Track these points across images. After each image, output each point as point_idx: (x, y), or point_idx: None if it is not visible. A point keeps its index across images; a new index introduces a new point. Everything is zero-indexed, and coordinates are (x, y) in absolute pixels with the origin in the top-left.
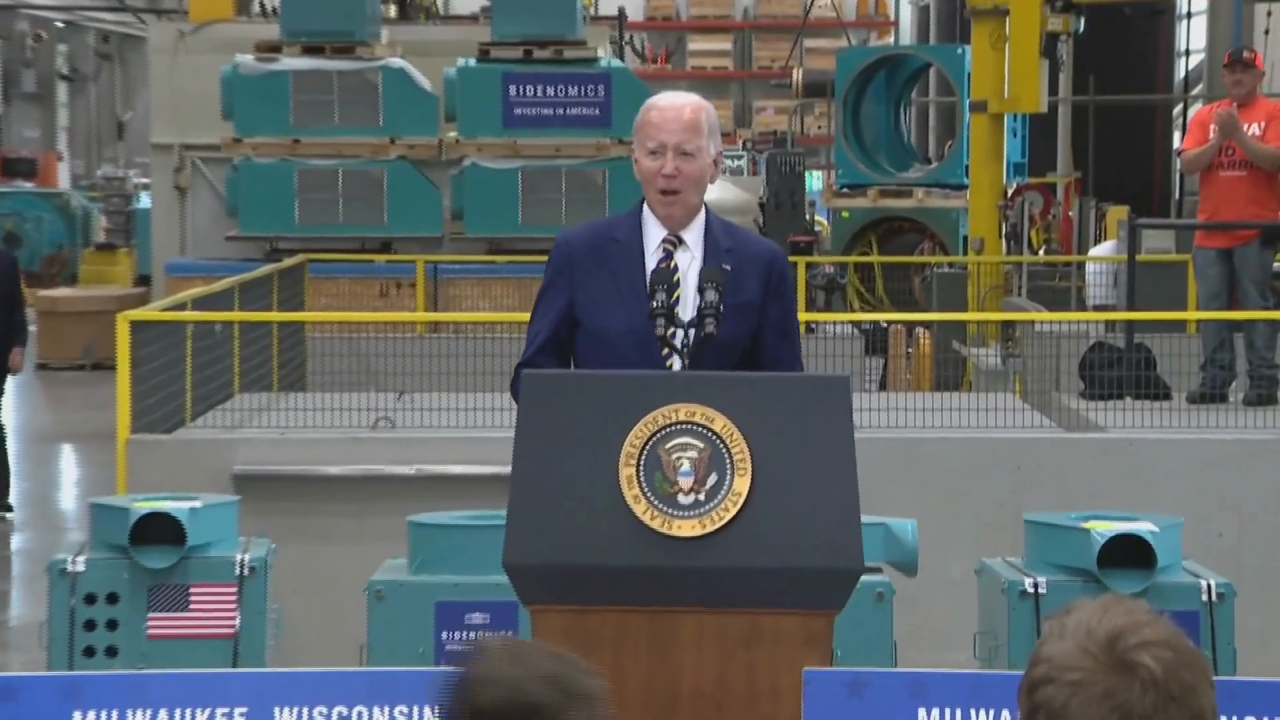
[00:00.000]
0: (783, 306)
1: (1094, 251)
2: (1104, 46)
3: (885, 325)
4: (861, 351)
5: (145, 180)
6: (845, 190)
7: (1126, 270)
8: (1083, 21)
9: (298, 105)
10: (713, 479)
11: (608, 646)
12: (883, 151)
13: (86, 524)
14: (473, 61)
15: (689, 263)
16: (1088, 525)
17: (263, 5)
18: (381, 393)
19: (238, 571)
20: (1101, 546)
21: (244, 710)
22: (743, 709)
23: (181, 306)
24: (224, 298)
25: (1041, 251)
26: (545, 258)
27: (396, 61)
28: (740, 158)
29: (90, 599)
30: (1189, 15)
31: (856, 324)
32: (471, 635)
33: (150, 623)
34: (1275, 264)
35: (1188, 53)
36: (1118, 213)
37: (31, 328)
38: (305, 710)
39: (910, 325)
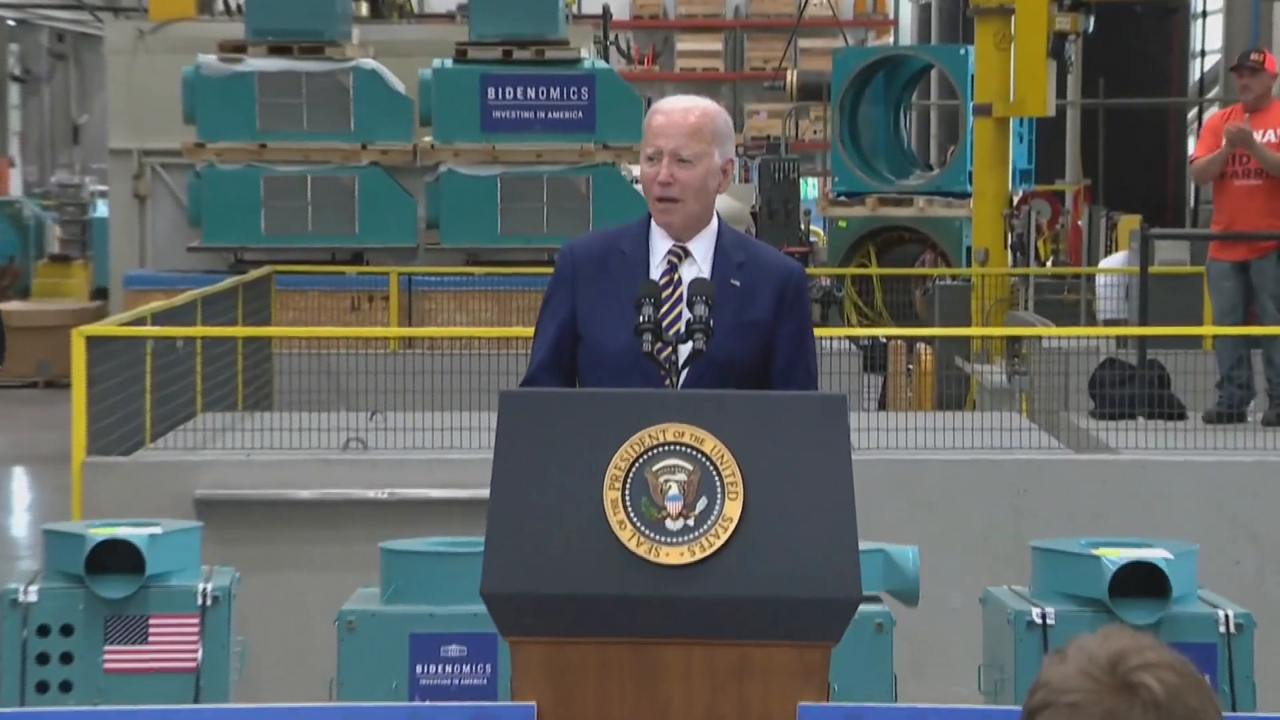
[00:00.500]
0: (796, 327)
1: (1104, 263)
2: (1115, 47)
3: (884, 341)
4: (859, 368)
5: (102, 188)
6: (842, 198)
7: (1139, 283)
8: (1092, 20)
9: (264, 108)
10: (702, 503)
11: (591, 679)
12: (882, 157)
13: (39, 551)
14: (449, 62)
15: (694, 276)
16: (1098, 552)
17: (226, 3)
18: (353, 412)
19: (200, 601)
20: (1113, 575)
21: None
22: None
23: (141, 321)
24: (186, 312)
25: (1049, 263)
26: (525, 269)
27: (368, 62)
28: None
29: (43, 631)
30: (1204, 14)
31: (854, 339)
32: (446, 669)
33: (107, 656)
34: None
35: (1203, 53)
36: (1129, 222)
37: None
38: None
39: (911, 341)
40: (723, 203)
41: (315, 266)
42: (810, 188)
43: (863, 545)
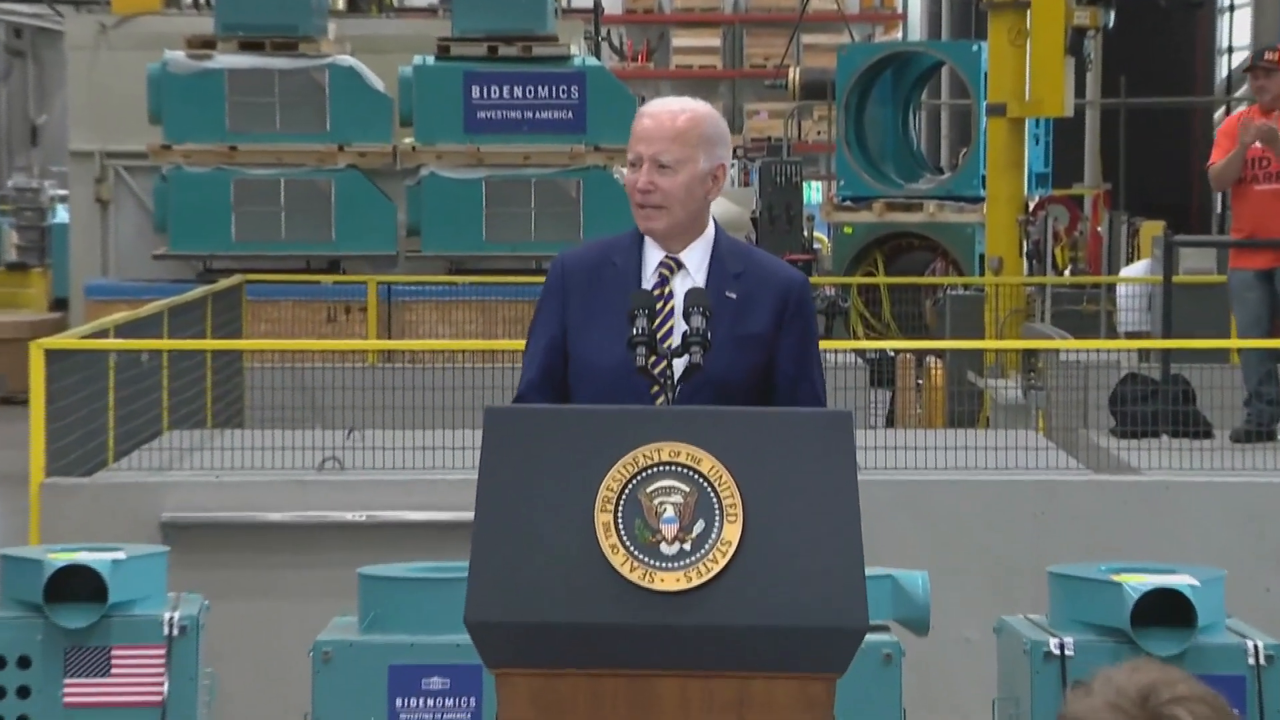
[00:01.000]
0: (799, 339)
1: (1125, 272)
2: (1136, 43)
3: (892, 354)
4: (866, 383)
5: (62, 192)
6: (847, 203)
7: (1162, 293)
8: (1113, 15)
9: (234, 108)
10: (699, 526)
11: (582, 713)
12: (889, 160)
13: None
14: (431, 59)
15: (688, 288)
16: (1120, 578)
17: None
18: (329, 430)
19: (166, 631)
20: (1135, 602)
21: None
22: None
23: (103, 334)
24: (151, 324)
25: (1067, 272)
26: (512, 279)
27: (345, 59)
28: (730, 167)
29: None
30: (1231, 8)
31: (860, 353)
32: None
33: (67, 690)
34: None
35: (1230, 50)
36: (1152, 229)
37: None
38: None
39: (920, 354)
40: (721, 208)
41: (289, 275)
42: (814, 192)
43: (869, 571)
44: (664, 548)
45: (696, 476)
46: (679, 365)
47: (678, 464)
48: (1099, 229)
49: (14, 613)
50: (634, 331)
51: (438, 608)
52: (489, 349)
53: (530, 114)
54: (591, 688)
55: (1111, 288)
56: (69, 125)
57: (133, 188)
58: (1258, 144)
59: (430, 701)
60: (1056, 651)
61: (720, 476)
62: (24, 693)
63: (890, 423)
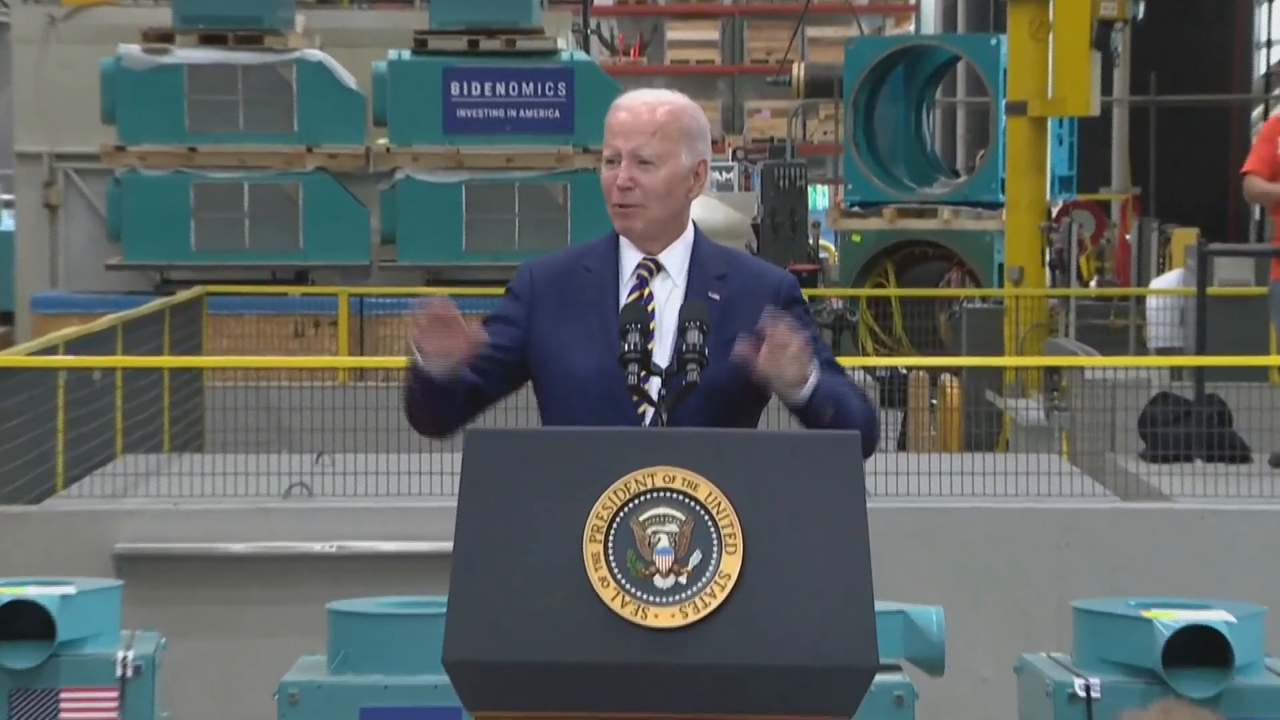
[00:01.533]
0: (794, 323)
1: (1156, 283)
2: (1168, 36)
3: (904, 372)
4: (876, 403)
5: (7, 196)
6: (856, 209)
7: (1196, 306)
8: (1142, 6)
9: (194, 106)
10: (696, 557)
11: None
12: (901, 162)
13: None
14: (407, 54)
15: (668, 293)
16: (1150, 614)
17: None
18: (296, 454)
19: (119, 672)
20: (1167, 640)
21: None
22: None
23: (52, 350)
24: (104, 339)
25: (1093, 283)
26: (494, 290)
27: (314, 54)
28: (729, 170)
29: None
30: None
31: (870, 370)
32: None
33: None
34: None
35: (1269, 43)
36: (1185, 236)
37: None
38: None
39: (935, 372)
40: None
41: (253, 287)
42: (820, 197)
43: (880, 606)
44: (658, 581)
45: (693, 504)
46: (670, 381)
47: (673, 490)
48: (1127, 237)
49: None
50: (625, 347)
51: (413, 646)
52: None
53: (514, 113)
54: None
55: (1141, 300)
56: (15, 125)
57: (84, 192)
58: None
59: None
60: (1082, 693)
61: (718, 504)
62: None
63: (902, 446)
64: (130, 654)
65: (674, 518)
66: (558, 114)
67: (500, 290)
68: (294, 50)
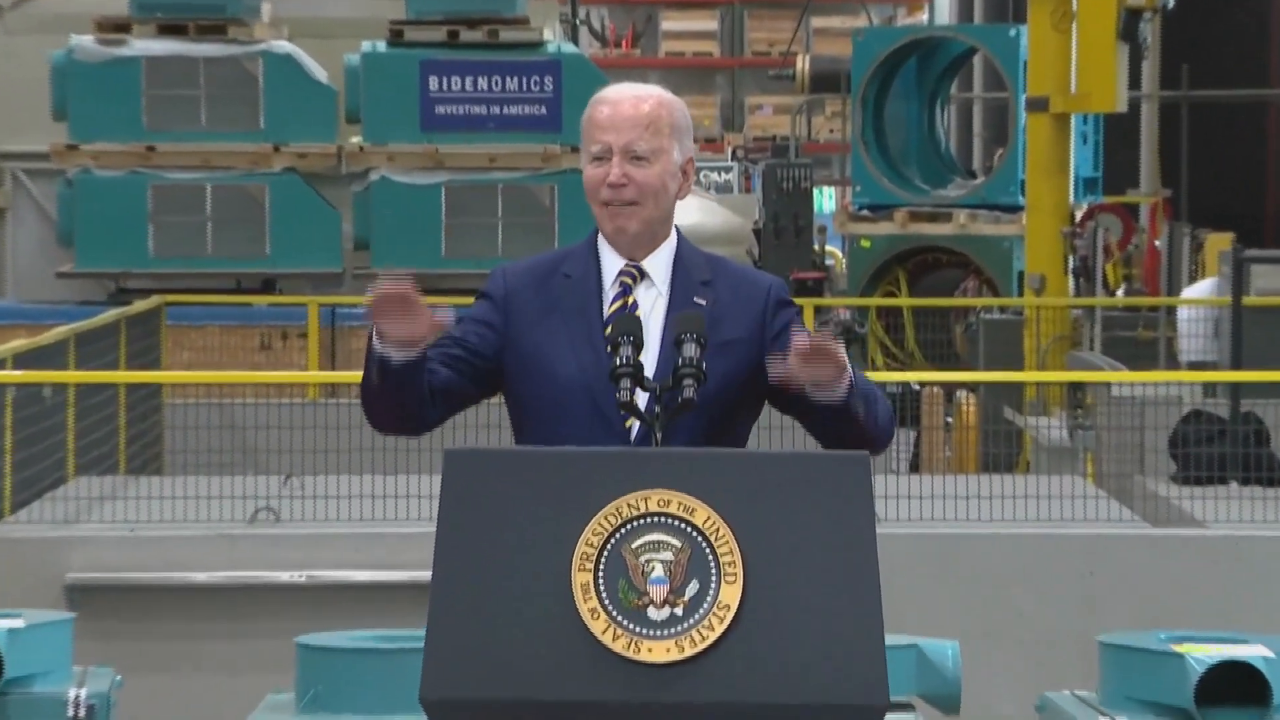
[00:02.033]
0: (789, 321)
1: (1188, 293)
2: (1200, 26)
3: (917, 387)
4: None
5: None
6: (865, 212)
7: (1231, 317)
8: None
9: (152, 101)
10: (693, 588)
11: None
12: (913, 162)
13: None
14: (382, 45)
15: (653, 301)
16: (1182, 649)
17: None
18: (262, 476)
19: (71, 712)
20: (1200, 677)
21: None
22: None
23: (0, 364)
24: (55, 353)
25: (1120, 292)
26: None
27: (282, 45)
28: (728, 171)
29: None
30: None
31: (881, 385)
32: None
33: None
34: None
35: None
36: (1219, 242)
37: None
38: None
39: (950, 388)
40: (719, 218)
41: (216, 296)
42: (826, 200)
43: (891, 639)
44: (652, 612)
45: (689, 529)
46: (643, 397)
47: (668, 515)
48: (1157, 243)
49: None
50: (618, 361)
51: (388, 683)
52: None
53: (497, 109)
54: None
55: (1171, 311)
56: None
57: (33, 194)
58: None
59: None
60: None
61: (717, 529)
62: None
63: (915, 467)
64: (83, 692)
65: (669, 544)
66: (544, 110)
67: None
68: (260, 41)
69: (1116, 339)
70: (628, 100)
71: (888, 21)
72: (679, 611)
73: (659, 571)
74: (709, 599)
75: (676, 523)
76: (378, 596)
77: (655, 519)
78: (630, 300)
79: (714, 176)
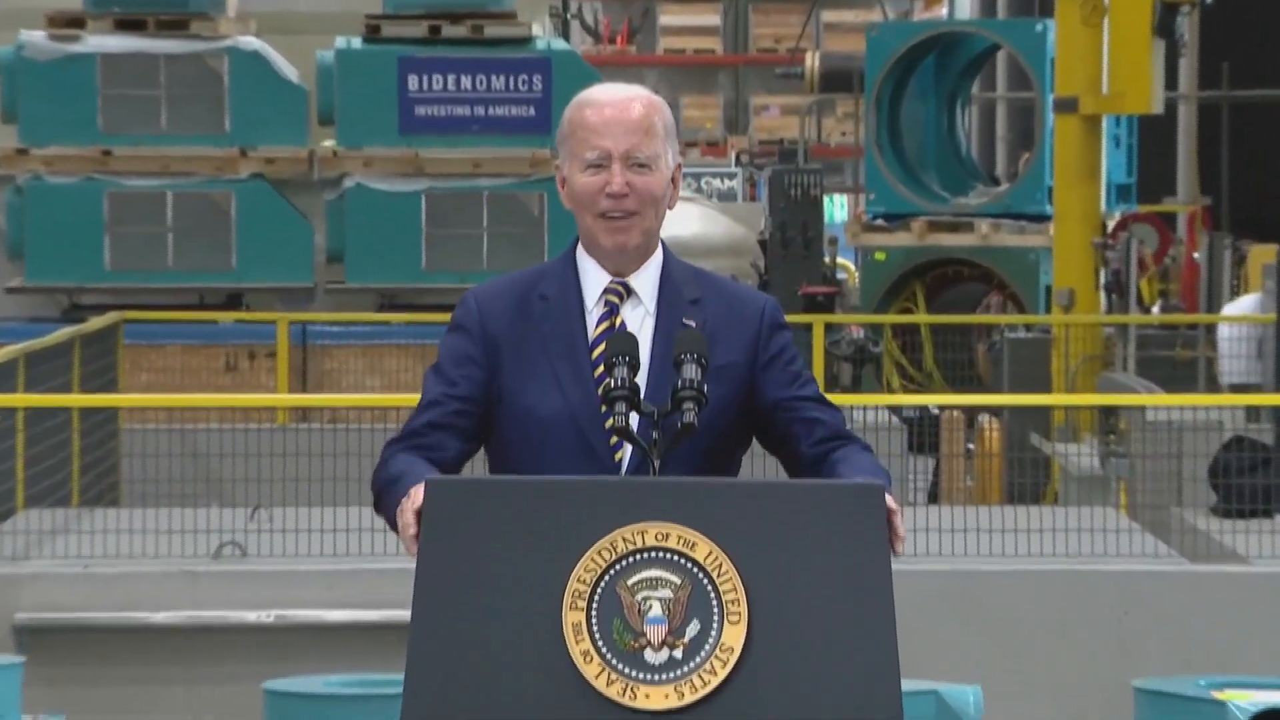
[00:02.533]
0: (786, 361)
1: (1229, 309)
2: (1241, 22)
3: (936, 411)
4: (903, 448)
5: None
6: (879, 222)
7: (1275, 336)
8: None
9: (109, 102)
10: (694, 628)
11: None
12: (931, 168)
13: None
14: (358, 42)
15: (640, 320)
16: (1223, 695)
17: None
18: (227, 508)
19: None
20: None
21: None
22: None
23: None
24: (3, 374)
25: (1156, 309)
26: None
27: (250, 42)
28: (732, 177)
29: None
30: None
31: (896, 410)
32: None
33: None
34: None
35: None
36: (1262, 254)
37: None
38: None
39: (972, 412)
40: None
41: (178, 313)
42: (837, 208)
43: (908, 685)
44: (649, 655)
45: (690, 565)
46: (636, 419)
47: (666, 549)
48: (1195, 255)
49: None
50: (612, 383)
51: None
52: None
53: (482, 110)
54: None
55: (1211, 329)
56: None
57: None
58: None
59: None
60: None
61: (719, 565)
62: None
63: (934, 498)
64: None
65: (668, 581)
66: (532, 112)
67: None
68: (225, 38)
69: (1152, 359)
70: (619, 102)
71: (904, 16)
72: (678, 654)
73: (657, 610)
74: (711, 641)
75: (676, 558)
76: (352, 638)
77: (653, 553)
78: (618, 321)
79: (716, 183)
